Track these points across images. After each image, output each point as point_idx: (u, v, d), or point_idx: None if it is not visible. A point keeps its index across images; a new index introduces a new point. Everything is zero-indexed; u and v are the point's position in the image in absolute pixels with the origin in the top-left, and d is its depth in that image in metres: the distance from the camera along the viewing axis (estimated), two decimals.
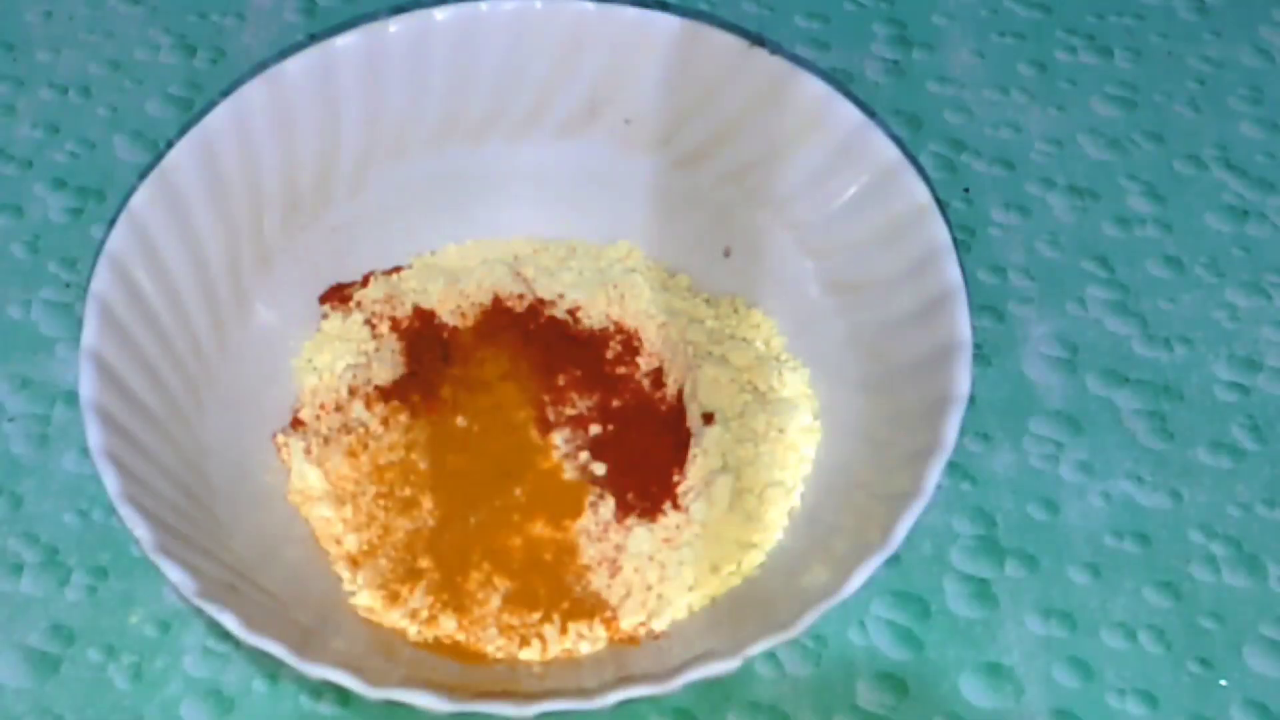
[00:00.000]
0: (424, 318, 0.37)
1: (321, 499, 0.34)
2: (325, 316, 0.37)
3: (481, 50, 0.37)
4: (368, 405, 0.35)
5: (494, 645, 0.32)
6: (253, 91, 0.35)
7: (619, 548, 0.33)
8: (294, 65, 0.35)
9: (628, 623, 0.32)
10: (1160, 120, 0.43)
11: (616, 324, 0.37)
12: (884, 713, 0.33)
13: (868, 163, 0.35)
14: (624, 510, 0.34)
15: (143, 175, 0.34)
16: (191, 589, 0.28)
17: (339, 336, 0.37)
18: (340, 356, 0.36)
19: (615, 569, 0.33)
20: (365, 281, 0.38)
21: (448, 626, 0.32)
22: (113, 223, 0.33)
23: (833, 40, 0.45)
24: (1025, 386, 0.38)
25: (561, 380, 0.36)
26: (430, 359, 0.36)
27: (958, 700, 0.33)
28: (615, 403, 0.36)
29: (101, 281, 0.32)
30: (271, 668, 0.33)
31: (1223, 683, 0.33)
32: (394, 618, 0.32)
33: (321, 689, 0.33)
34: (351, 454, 0.35)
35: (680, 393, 0.36)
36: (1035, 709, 0.33)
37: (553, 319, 0.37)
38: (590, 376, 0.36)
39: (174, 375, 0.33)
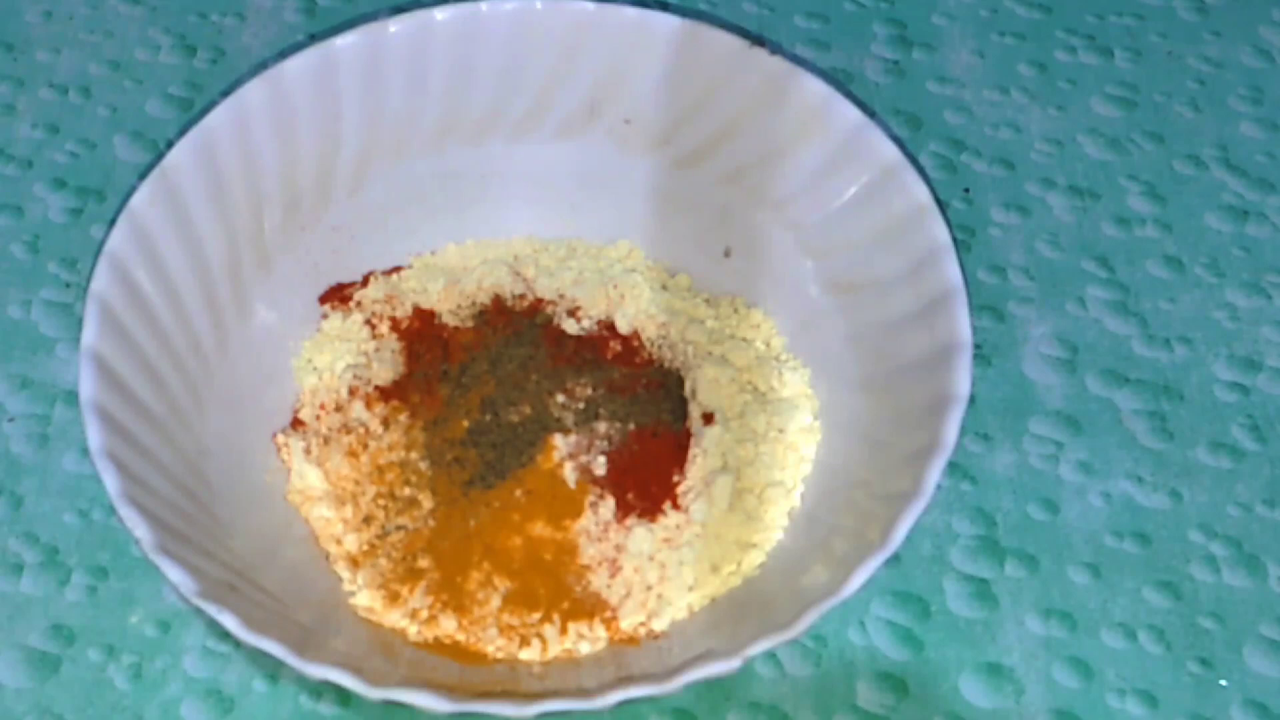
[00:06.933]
0: (424, 318, 0.37)
1: (321, 499, 0.34)
2: (325, 316, 0.37)
3: (481, 50, 0.37)
4: (368, 405, 0.36)
5: (494, 645, 0.32)
6: (253, 91, 0.35)
7: (619, 548, 0.33)
8: (294, 65, 0.35)
9: (628, 623, 0.32)
10: (1160, 120, 0.43)
11: (616, 324, 0.37)
12: (884, 713, 0.33)
13: (868, 163, 0.35)
14: (624, 510, 0.34)
15: (143, 175, 0.34)
16: (191, 589, 0.28)
17: (339, 336, 0.37)
18: (340, 356, 0.36)
19: (615, 569, 0.33)
20: (365, 281, 0.38)
21: (448, 626, 0.32)
22: (113, 223, 0.33)
23: (833, 40, 0.45)
24: (1025, 386, 0.38)
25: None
26: (430, 359, 0.36)
27: (958, 700, 0.33)
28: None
29: (101, 281, 0.32)
30: (271, 668, 0.33)
31: (1223, 683, 0.33)
32: (394, 618, 0.32)
33: (321, 689, 0.33)
34: (351, 454, 0.35)
35: None
36: (1035, 709, 0.33)
37: (552, 319, 0.37)
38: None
39: (174, 375, 0.33)
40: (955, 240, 0.33)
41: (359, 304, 0.37)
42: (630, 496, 0.34)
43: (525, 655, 0.32)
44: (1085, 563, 0.35)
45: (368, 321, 0.37)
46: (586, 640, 0.32)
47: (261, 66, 0.36)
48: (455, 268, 0.38)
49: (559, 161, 0.38)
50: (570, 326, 0.37)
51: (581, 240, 0.39)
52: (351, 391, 0.36)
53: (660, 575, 0.33)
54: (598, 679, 0.30)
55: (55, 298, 0.39)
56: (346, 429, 0.35)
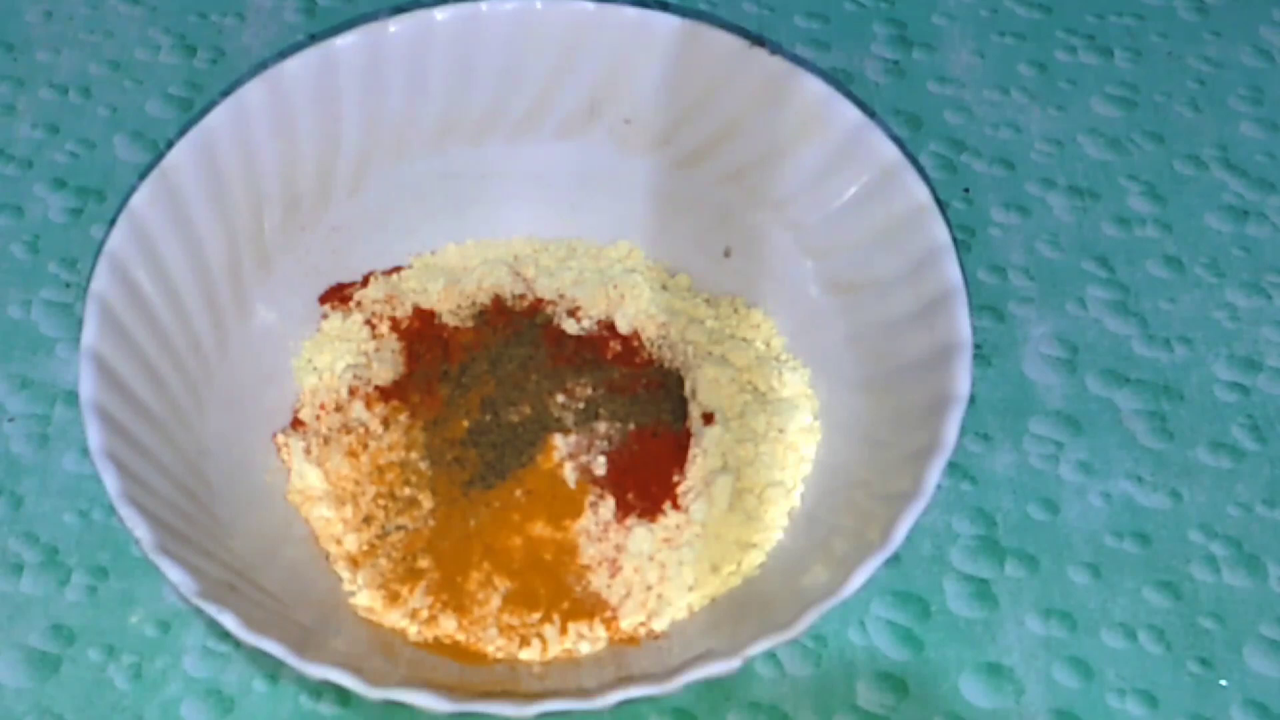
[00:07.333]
0: (424, 318, 0.37)
1: (321, 499, 0.34)
2: (325, 316, 0.37)
3: (481, 50, 0.37)
4: (368, 405, 0.36)
5: (494, 645, 0.32)
6: (253, 91, 0.35)
7: (619, 548, 0.33)
8: (294, 65, 0.35)
9: (628, 623, 0.32)
10: (1160, 120, 0.43)
11: (616, 324, 0.37)
12: (884, 713, 0.33)
13: (868, 163, 0.35)
14: (624, 510, 0.34)
15: (143, 175, 0.34)
16: (191, 589, 0.28)
17: (339, 336, 0.37)
18: (340, 356, 0.36)
19: (615, 569, 0.33)
20: (365, 281, 0.38)
21: (448, 626, 0.32)
22: (113, 223, 0.33)
23: (833, 40, 0.45)
24: (1025, 386, 0.38)
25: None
26: (430, 359, 0.36)
27: (958, 700, 0.33)
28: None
29: (101, 281, 0.32)
30: (271, 668, 0.33)
31: (1223, 683, 0.33)
32: (394, 618, 0.32)
33: (321, 689, 0.33)
34: (351, 454, 0.35)
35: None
36: (1035, 709, 0.33)
37: (552, 319, 0.37)
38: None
39: (174, 375, 0.33)
40: (955, 240, 0.33)
41: (359, 304, 0.37)
42: (630, 496, 0.34)
43: (525, 655, 0.32)
44: (1085, 563, 0.35)
45: (368, 321, 0.37)
46: (586, 640, 0.32)
47: (261, 66, 0.36)
48: (455, 268, 0.38)
49: (559, 161, 0.38)
50: (570, 326, 0.37)
51: (581, 240, 0.39)
52: (351, 391, 0.36)
53: (660, 575, 0.33)
54: (598, 679, 0.30)
55: (55, 298, 0.39)
56: (346, 429, 0.35)
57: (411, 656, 0.31)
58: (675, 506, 0.34)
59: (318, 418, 0.36)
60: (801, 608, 0.29)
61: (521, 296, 0.37)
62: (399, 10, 0.36)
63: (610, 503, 0.34)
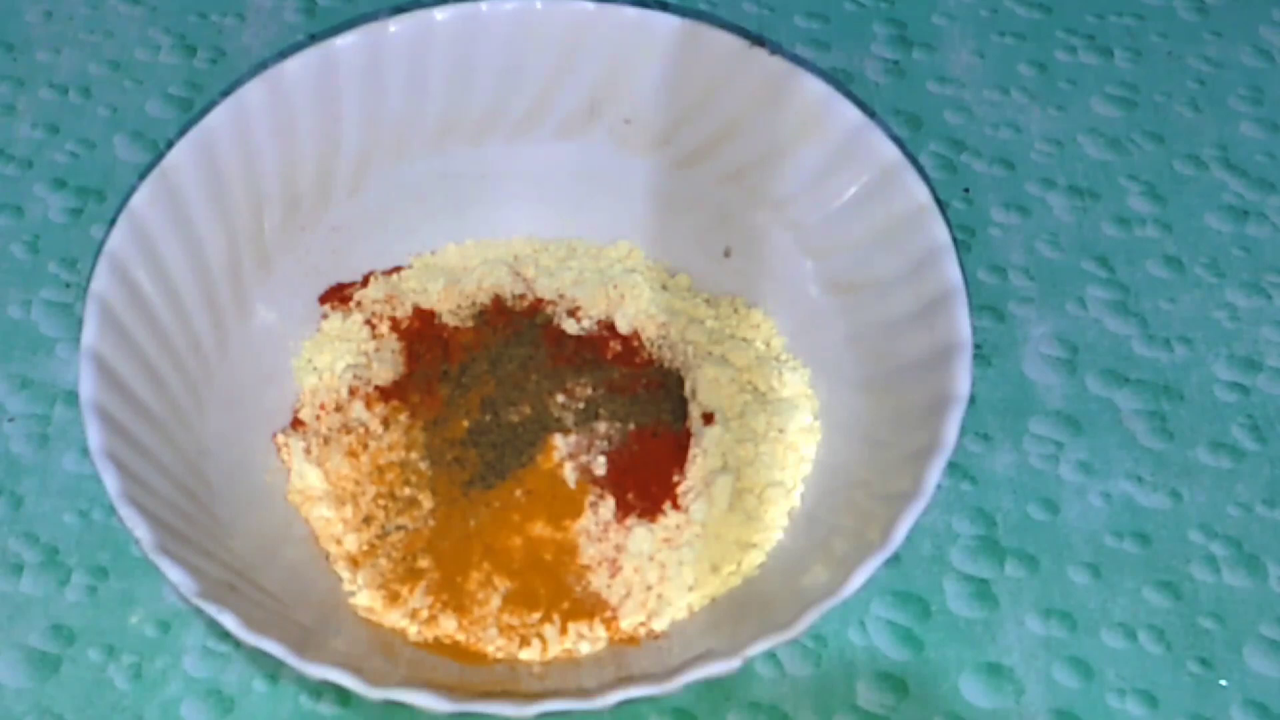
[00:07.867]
0: (424, 318, 0.37)
1: (321, 499, 0.34)
2: (325, 316, 0.37)
3: (481, 50, 0.37)
4: (368, 405, 0.36)
5: (494, 645, 0.32)
6: (253, 91, 0.35)
7: (619, 548, 0.33)
8: (294, 65, 0.35)
9: (628, 623, 0.32)
10: (1160, 120, 0.43)
11: (616, 324, 0.37)
12: (884, 713, 0.33)
13: (868, 163, 0.35)
14: (624, 510, 0.34)
15: (143, 175, 0.34)
16: (191, 589, 0.28)
17: (339, 336, 0.37)
18: (340, 356, 0.36)
19: (615, 569, 0.33)
20: (365, 281, 0.38)
21: (448, 626, 0.32)
22: (113, 223, 0.33)
23: (833, 40, 0.45)
24: (1025, 386, 0.38)
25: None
26: (430, 359, 0.36)
27: (958, 700, 0.33)
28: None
29: (101, 281, 0.32)
30: (271, 668, 0.33)
31: (1223, 683, 0.33)
32: (394, 618, 0.32)
33: (321, 689, 0.33)
34: (351, 454, 0.35)
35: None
36: (1035, 709, 0.33)
37: (552, 319, 0.37)
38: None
39: (174, 375, 0.33)
40: (955, 240, 0.33)
41: (359, 304, 0.37)
42: (630, 496, 0.34)
43: (525, 655, 0.32)
44: (1085, 563, 0.35)
45: (368, 321, 0.37)
46: (586, 640, 0.32)
47: (261, 66, 0.36)
48: (455, 268, 0.38)
49: (559, 161, 0.38)
50: (570, 326, 0.37)
51: (581, 240, 0.39)
52: (351, 391, 0.36)
53: (660, 575, 0.33)
54: (598, 679, 0.30)
55: (55, 298, 0.39)
56: (346, 429, 0.35)
57: (411, 656, 0.31)
58: (675, 506, 0.34)
59: (318, 418, 0.36)
60: (801, 608, 0.29)
61: (521, 296, 0.37)
62: (399, 10, 0.36)
63: (610, 503, 0.34)
